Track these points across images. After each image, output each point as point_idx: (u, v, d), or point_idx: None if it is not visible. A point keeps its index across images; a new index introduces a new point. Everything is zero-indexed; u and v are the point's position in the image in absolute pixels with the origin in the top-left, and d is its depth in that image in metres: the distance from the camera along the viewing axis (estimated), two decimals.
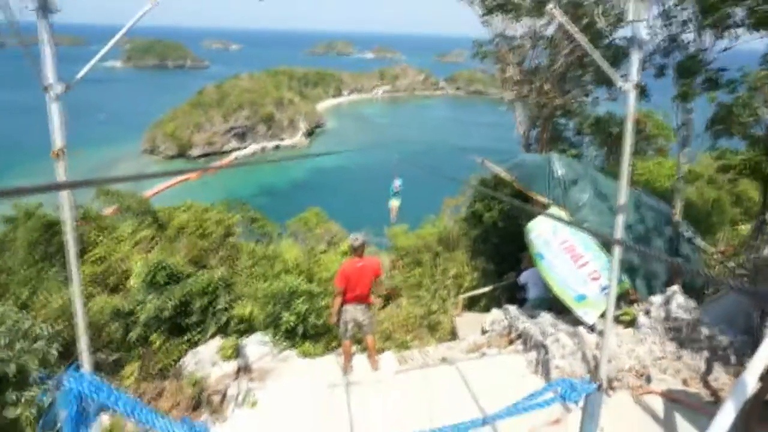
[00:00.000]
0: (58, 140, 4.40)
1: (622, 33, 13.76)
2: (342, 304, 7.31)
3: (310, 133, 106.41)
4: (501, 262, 13.90)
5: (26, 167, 64.13)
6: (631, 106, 5.21)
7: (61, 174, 4.39)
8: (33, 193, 1.52)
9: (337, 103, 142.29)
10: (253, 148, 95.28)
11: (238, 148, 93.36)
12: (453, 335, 11.41)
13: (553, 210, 8.98)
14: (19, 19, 4.05)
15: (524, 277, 10.37)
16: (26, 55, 4.12)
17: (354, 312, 7.24)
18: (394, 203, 10.84)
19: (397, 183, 10.47)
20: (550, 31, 15.32)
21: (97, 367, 6.66)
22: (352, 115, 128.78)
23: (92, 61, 4.89)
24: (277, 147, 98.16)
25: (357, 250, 7.04)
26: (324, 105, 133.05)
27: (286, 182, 73.97)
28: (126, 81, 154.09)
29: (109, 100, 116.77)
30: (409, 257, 16.51)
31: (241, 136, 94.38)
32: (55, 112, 4.47)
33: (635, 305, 7.78)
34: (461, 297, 12.92)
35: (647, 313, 7.22)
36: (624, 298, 7.99)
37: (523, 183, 9.90)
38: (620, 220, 5.67)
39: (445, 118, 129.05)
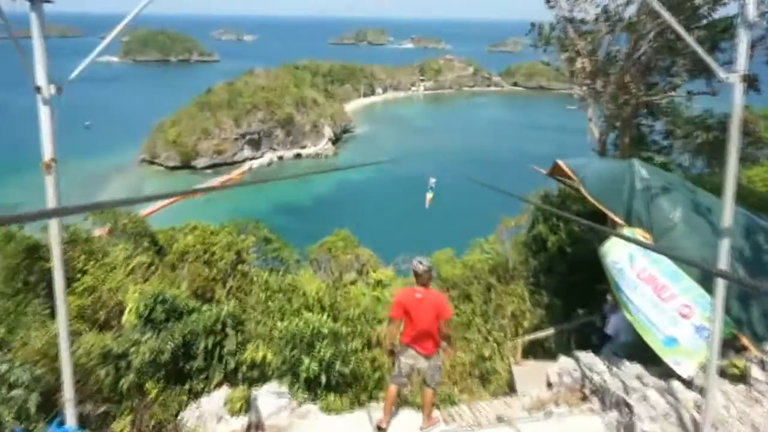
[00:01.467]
0: (48, 149, 4.53)
1: (725, 12, 13.47)
2: (397, 339, 7.34)
3: (336, 139, 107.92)
4: (570, 296, 13.60)
5: (17, 178, 66.77)
6: (737, 102, 5.03)
7: (51, 190, 4.51)
8: (29, 220, 1.55)
9: (369, 103, 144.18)
10: (269, 157, 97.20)
11: (252, 158, 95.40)
12: (511, 388, 11.18)
13: (629, 232, 8.74)
14: (7, 10, 4.23)
15: (613, 325, 10.02)
16: (17, 50, 4.28)
17: (415, 357, 7.21)
18: (429, 195, 14.28)
19: (432, 180, 14.07)
20: (630, 11, 15.13)
21: (83, 421, 6.77)
22: (386, 118, 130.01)
23: (87, 60, 5.05)
24: (297, 156, 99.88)
25: (421, 277, 7.07)
26: (353, 105, 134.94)
27: (308, 198, 74.98)
28: (123, 79, 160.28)
29: (103, 102, 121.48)
30: (455, 290, 16.37)
31: (256, 143, 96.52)
32: (45, 117, 4.59)
33: (746, 354, 7.45)
34: (520, 340, 12.67)
35: (763, 364, 6.90)
36: (731, 345, 7.66)
37: (594, 194, 9.65)
38: (725, 245, 5.46)
39: (500, 120, 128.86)
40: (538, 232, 14.88)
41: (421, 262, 7.09)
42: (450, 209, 66.01)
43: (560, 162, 10.13)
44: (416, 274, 7.09)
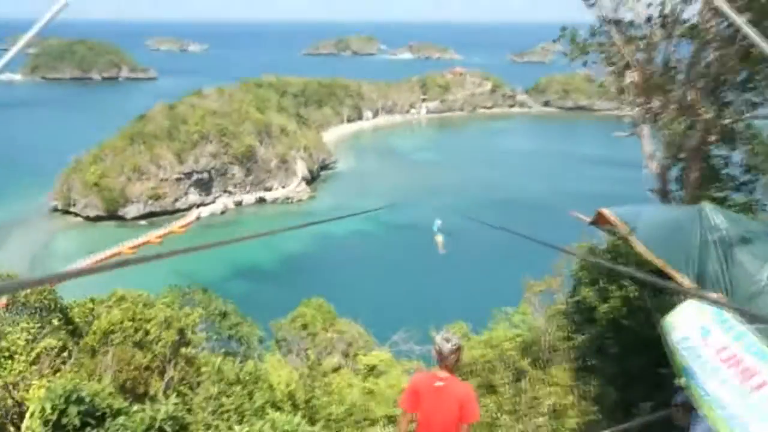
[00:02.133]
0: None
1: None
2: None
3: (312, 178, 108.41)
4: (628, 385, 13.52)
5: None
6: None
7: None
8: None
9: (354, 131, 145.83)
10: (222, 202, 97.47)
11: (201, 204, 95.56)
12: None
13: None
14: None
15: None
16: None
17: None
18: (439, 238, 16.92)
19: (438, 222, 17.10)
20: (691, 11, 15.50)
21: None
22: (378, 149, 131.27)
23: None
24: (261, 200, 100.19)
25: (446, 360, 6.98)
26: (334, 134, 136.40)
27: (275, 256, 74.85)
28: (29, 102, 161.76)
29: (0, 133, 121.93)
30: (474, 377, 16.23)
31: (205, 185, 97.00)
32: None
33: None
34: None
35: None
36: None
37: (651, 247, 9.68)
38: None
39: (528, 151, 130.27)
40: (583, 299, 14.84)
41: (447, 339, 7.03)
42: (463, 267, 65.96)
43: (605, 211, 10.22)
44: (440, 355, 7.02)
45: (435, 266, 66.43)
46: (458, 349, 7.05)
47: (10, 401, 10.92)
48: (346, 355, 18.72)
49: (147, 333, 13.10)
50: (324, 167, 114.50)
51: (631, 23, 16.18)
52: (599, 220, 11.10)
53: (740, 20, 5.50)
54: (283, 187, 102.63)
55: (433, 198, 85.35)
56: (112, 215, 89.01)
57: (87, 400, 8.99)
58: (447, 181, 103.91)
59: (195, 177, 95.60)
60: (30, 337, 12.52)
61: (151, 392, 12.00)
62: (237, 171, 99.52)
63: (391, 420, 12.46)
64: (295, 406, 11.28)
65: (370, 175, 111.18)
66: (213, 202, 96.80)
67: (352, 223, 78.56)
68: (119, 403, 9.61)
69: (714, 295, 8.71)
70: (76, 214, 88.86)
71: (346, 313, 23.36)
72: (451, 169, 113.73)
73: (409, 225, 73.82)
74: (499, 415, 14.62)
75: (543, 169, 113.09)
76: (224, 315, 21.76)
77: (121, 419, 8.88)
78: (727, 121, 16.33)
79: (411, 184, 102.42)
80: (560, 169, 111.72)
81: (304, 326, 21.00)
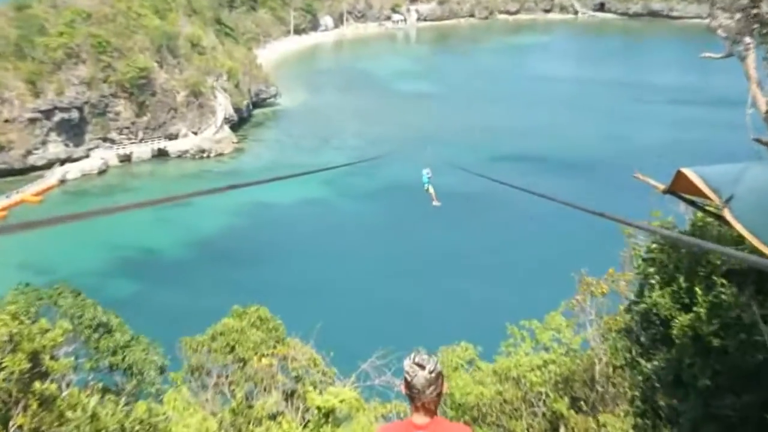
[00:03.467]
0: None
1: None
2: None
3: (241, 120, 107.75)
4: None
5: None
6: None
7: None
8: None
9: (306, 48, 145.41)
10: (102, 156, 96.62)
11: (67, 159, 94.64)
12: None
13: None
14: None
15: None
16: None
17: None
18: (430, 189, 21.28)
19: (427, 171, 21.09)
20: None
21: None
22: (341, 76, 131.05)
23: None
24: (161, 153, 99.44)
25: (422, 396, 6.72)
26: (275, 52, 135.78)
27: (183, 241, 74.89)
28: None
29: None
30: (485, 427, 16.32)
31: (75, 130, 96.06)
32: None
33: None
34: None
35: None
36: None
37: (753, 227, 9.68)
38: None
39: (573, 80, 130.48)
40: (651, 307, 14.89)
41: (420, 365, 6.78)
42: (470, 254, 66.08)
43: (687, 171, 10.17)
44: (413, 390, 6.74)
45: (427, 254, 66.43)
46: (438, 378, 6.86)
47: None
48: (288, 394, 18.70)
49: None
50: (258, 103, 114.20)
51: None
52: (678, 186, 11.07)
53: None
54: (195, 133, 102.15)
55: (428, 144, 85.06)
56: None
57: None
58: (449, 126, 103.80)
59: (58, 117, 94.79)
60: None
61: None
62: (124, 108, 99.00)
63: None
64: None
65: (328, 116, 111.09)
66: (87, 156, 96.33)
67: (305, 188, 78.45)
68: None
69: None
70: None
71: (293, 325, 23.34)
72: (455, 107, 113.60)
73: (386, 189, 73.95)
74: None
75: (594, 108, 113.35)
76: (105, 331, 21.63)
77: None
78: None
79: (394, 129, 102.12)
80: (621, 108, 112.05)
81: (227, 343, 20.87)
